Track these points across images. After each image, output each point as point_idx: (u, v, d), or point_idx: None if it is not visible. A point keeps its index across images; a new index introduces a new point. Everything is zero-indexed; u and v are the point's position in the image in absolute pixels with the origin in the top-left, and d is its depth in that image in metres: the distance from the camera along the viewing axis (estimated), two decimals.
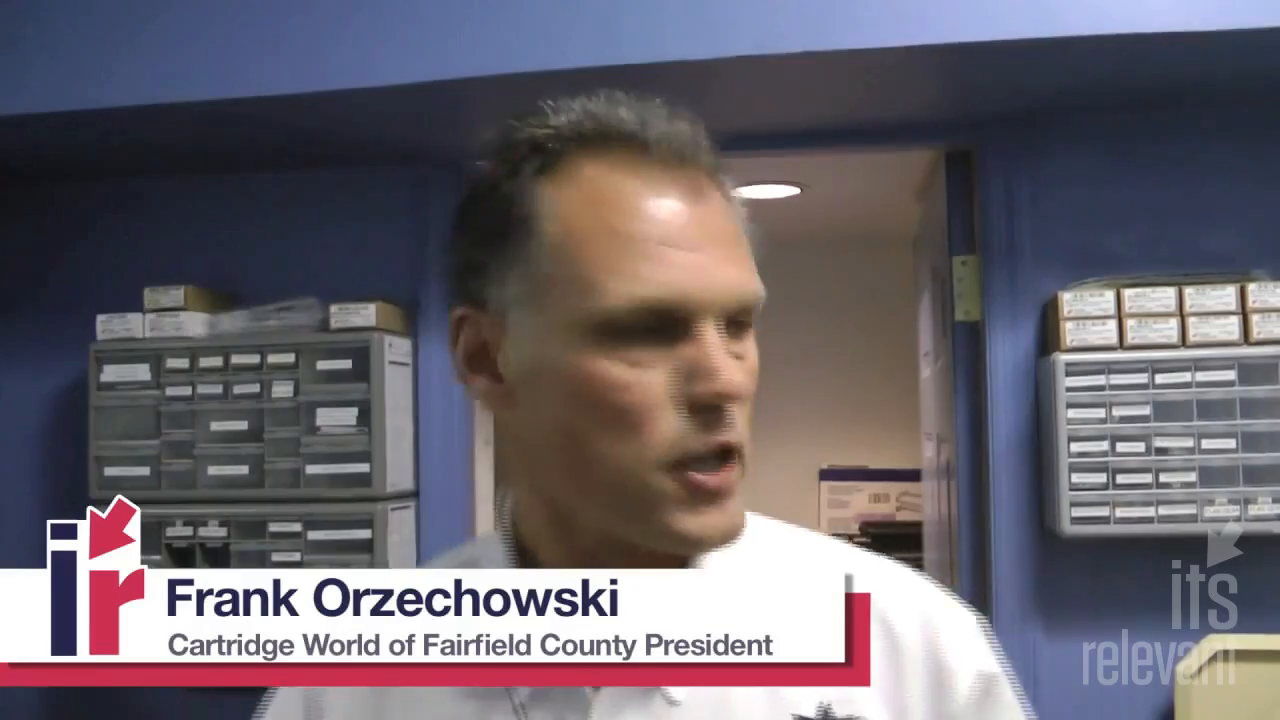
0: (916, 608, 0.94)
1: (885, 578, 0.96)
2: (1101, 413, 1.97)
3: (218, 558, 2.19)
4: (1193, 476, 1.96)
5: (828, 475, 4.69)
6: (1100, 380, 1.98)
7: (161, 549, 2.20)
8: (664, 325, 0.82)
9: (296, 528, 2.18)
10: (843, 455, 4.75)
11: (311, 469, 2.19)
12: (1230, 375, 1.97)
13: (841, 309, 4.76)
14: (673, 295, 0.82)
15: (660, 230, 0.83)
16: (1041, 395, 2.07)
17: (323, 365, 2.19)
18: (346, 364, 2.19)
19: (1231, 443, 1.96)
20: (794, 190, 3.58)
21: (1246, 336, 1.99)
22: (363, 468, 2.18)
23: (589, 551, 0.87)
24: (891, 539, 4.29)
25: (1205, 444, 1.96)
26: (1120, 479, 1.96)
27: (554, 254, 0.84)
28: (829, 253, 4.63)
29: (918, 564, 3.31)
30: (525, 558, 0.92)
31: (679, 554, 0.87)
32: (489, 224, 0.87)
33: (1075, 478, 1.97)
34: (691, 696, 0.87)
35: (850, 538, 4.55)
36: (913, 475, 4.08)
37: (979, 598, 2.16)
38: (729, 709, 0.88)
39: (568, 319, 0.83)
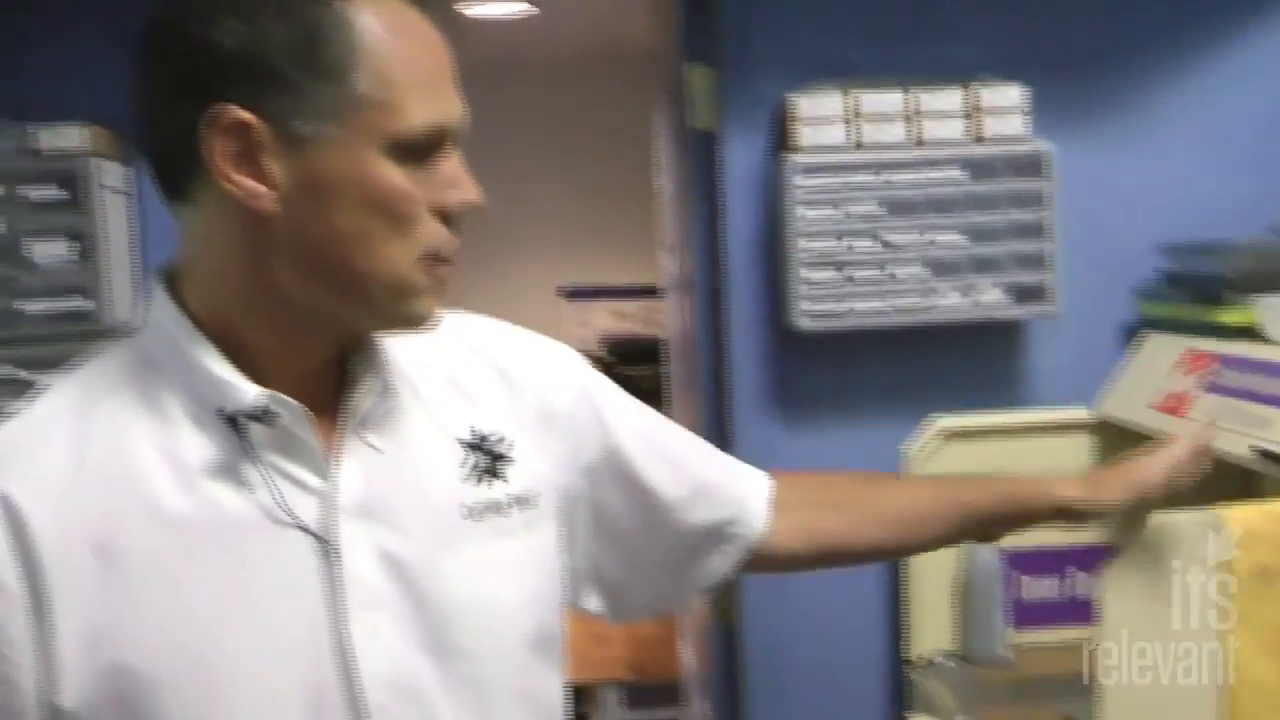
0: (521, 348, 1.20)
1: (497, 329, 1.21)
2: (834, 211, 2.02)
3: None
4: (922, 269, 2.04)
5: (569, 294, 4.72)
6: (833, 180, 2.02)
7: None
8: (432, 145, 0.98)
9: (21, 374, 2.06)
10: (583, 274, 4.79)
11: (28, 307, 2.06)
12: (958, 173, 2.05)
13: (580, 128, 4.75)
14: (450, 121, 0.99)
15: (443, 60, 1.00)
16: (776, 197, 2.10)
17: (31, 194, 2.05)
18: (58, 192, 2.06)
19: (959, 236, 2.05)
20: (531, 8, 3.51)
21: (973, 136, 2.06)
22: (85, 304, 2.07)
23: (303, 343, 1.03)
24: (634, 354, 4.37)
25: (934, 238, 2.04)
26: (853, 274, 2.03)
27: (369, 77, 0.94)
28: (568, 71, 4.60)
29: (660, 378, 3.39)
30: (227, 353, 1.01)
31: (411, 332, 1.05)
32: (288, 35, 0.94)
33: (809, 274, 2.02)
34: (385, 444, 1.06)
35: (594, 356, 4.61)
36: (654, 291, 4.14)
37: (719, 400, 2.22)
38: (411, 446, 1.08)
39: (374, 137, 0.95)
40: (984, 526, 1.40)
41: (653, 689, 3.72)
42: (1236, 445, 1.68)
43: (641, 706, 3.84)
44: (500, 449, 1.12)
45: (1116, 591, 1.39)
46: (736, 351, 2.18)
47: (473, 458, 1.11)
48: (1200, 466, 1.36)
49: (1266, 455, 1.60)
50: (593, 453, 1.21)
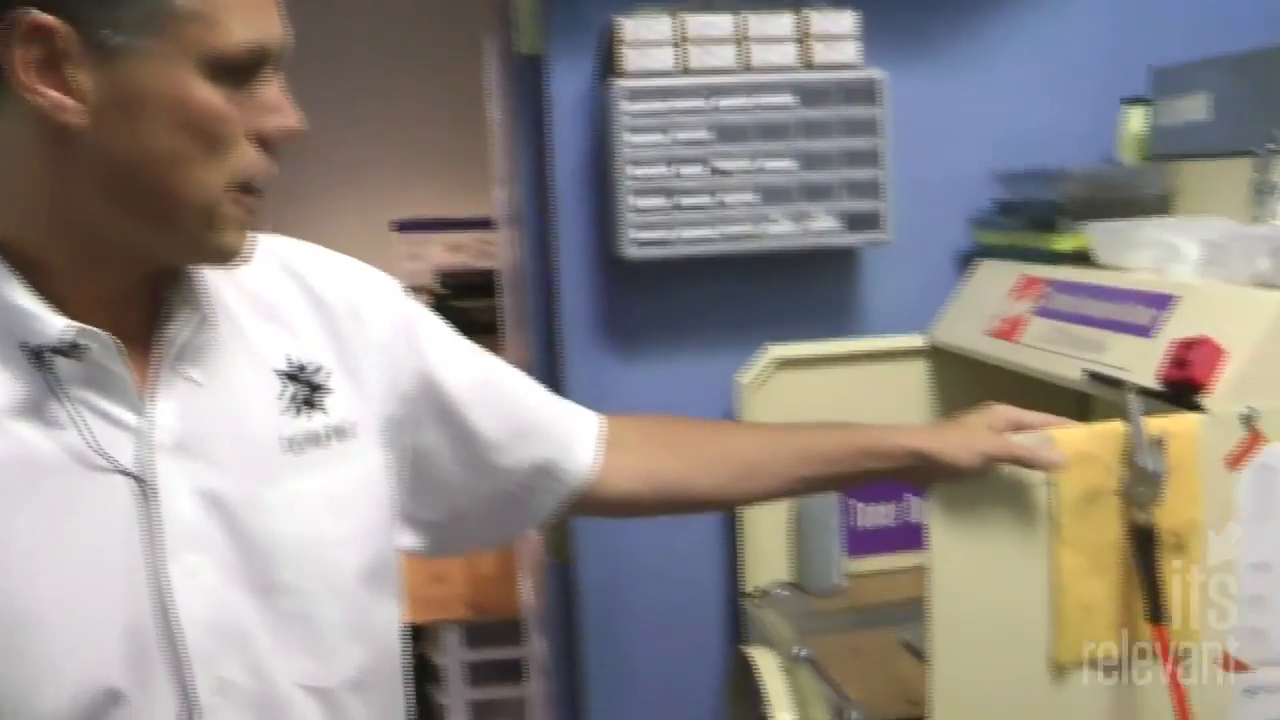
0: (339, 274, 1.16)
1: (315, 255, 1.17)
2: (662, 137, 1.96)
3: None
4: (753, 196, 2.00)
5: (401, 227, 4.59)
6: (661, 105, 1.96)
7: None
8: (252, 66, 0.94)
9: None
10: (416, 206, 4.66)
11: None
12: (789, 99, 2.00)
13: (412, 55, 4.60)
14: (271, 41, 0.95)
15: None
16: (604, 124, 2.03)
17: None
18: None
19: (790, 163, 2.01)
20: None
21: (804, 62, 2.01)
22: None
23: (111, 271, 0.98)
24: (469, 288, 4.29)
25: (765, 164, 2.00)
26: (682, 201, 1.97)
27: None
28: None
29: (496, 312, 3.31)
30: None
31: (217, 266, 1.02)
32: None
33: (637, 201, 1.96)
34: (203, 378, 1.03)
35: (428, 290, 4.51)
36: (490, 223, 4.04)
37: (549, 334, 2.16)
38: (229, 379, 1.04)
39: (191, 52, 0.90)
40: (831, 476, 1.40)
41: (493, 627, 3.67)
42: (1068, 368, 1.68)
43: (482, 645, 3.79)
44: (318, 379, 1.10)
45: (944, 514, 1.37)
46: (565, 283, 2.11)
47: (291, 388, 1.08)
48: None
49: (1095, 377, 1.60)
50: (410, 384, 1.19)
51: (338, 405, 1.10)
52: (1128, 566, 1.40)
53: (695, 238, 1.99)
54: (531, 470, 1.29)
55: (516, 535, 1.36)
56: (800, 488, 1.40)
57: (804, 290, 2.16)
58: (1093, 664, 1.42)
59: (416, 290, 4.58)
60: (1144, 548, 1.37)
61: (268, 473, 1.04)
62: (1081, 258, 1.88)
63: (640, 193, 1.97)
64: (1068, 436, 1.38)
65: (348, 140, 4.32)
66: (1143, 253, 1.73)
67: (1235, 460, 1.43)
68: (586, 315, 2.12)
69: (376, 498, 1.14)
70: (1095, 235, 1.84)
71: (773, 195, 2.01)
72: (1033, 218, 1.99)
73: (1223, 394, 1.42)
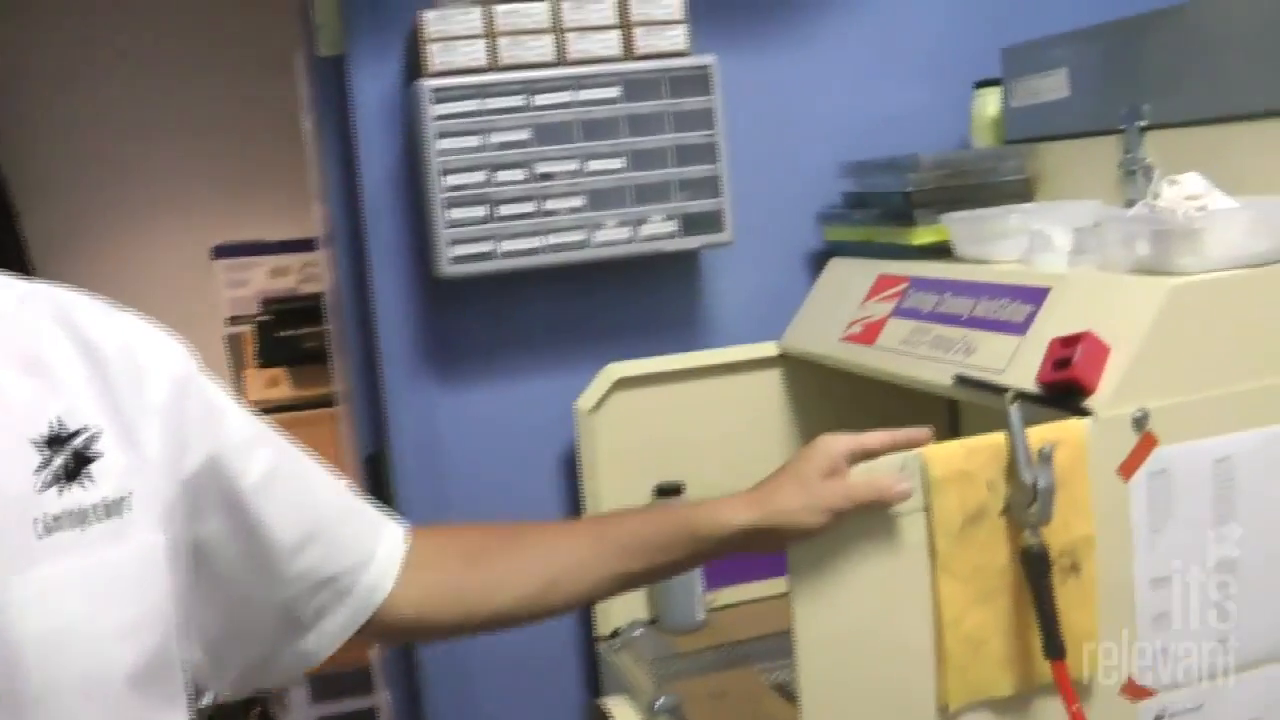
0: (118, 326, 1.01)
1: (93, 306, 1.01)
2: (477, 140, 1.77)
3: None
4: (581, 201, 1.81)
5: (222, 253, 4.31)
6: (473, 105, 1.77)
7: None
8: None
9: None
10: (236, 230, 4.38)
11: None
12: (614, 92, 1.82)
13: (218, 66, 4.32)
14: None
15: None
16: (412, 128, 1.83)
17: None
18: None
19: (619, 162, 1.83)
20: None
21: (629, 51, 1.83)
22: None
23: None
24: (296, 314, 4.05)
25: (591, 165, 1.82)
26: (503, 210, 1.78)
27: None
28: (199, 8, 4.17)
29: (324, 337, 3.08)
30: None
31: None
32: None
33: (454, 213, 1.77)
34: None
35: (253, 319, 4.25)
36: (314, 244, 3.80)
37: (369, 361, 1.95)
38: None
39: None
40: (657, 568, 1.22)
41: (341, 678, 3.43)
42: (935, 373, 1.53)
43: (330, 699, 3.55)
44: (86, 444, 0.93)
45: (804, 558, 1.20)
46: (382, 306, 1.90)
47: (53, 458, 0.91)
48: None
49: (966, 382, 1.45)
50: (194, 464, 1.02)
51: (109, 474, 0.93)
52: (1018, 593, 1.25)
53: (519, 250, 1.80)
54: (319, 584, 1.11)
55: (296, 669, 1.15)
56: (623, 584, 1.23)
57: (643, 301, 1.98)
58: (986, 704, 1.26)
59: (240, 320, 4.33)
60: (1036, 573, 1.22)
61: (16, 559, 0.87)
62: (941, 251, 1.74)
63: (456, 203, 1.77)
64: (941, 455, 1.22)
65: (158, 162, 4.05)
66: (1008, 243, 1.60)
67: (1128, 467, 1.29)
68: (407, 340, 1.91)
69: (154, 582, 0.95)
70: (955, 226, 1.69)
71: (602, 199, 1.82)
72: (886, 210, 1.85)
73: (1110, 395, 1.28)
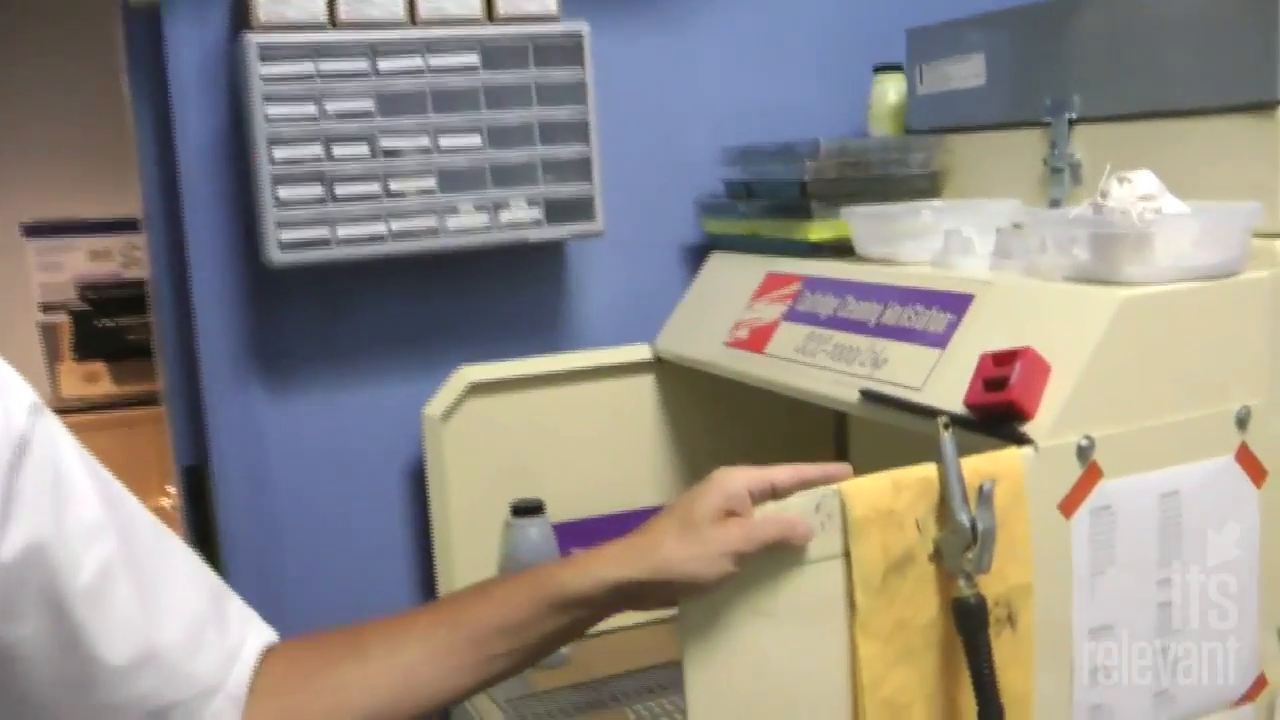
0: None
1: None
2: (312, 108, 1.53)
3: None
4: (432, 182, 1.59)
5: (34, 232, 3.97)
6: (307, 67, 1.53)
7: None
8: None
9: None
10: (51, 206, 4.03)
11: None
12: (472, 59, 1.60)
13: (28, 25, 3.99)
14: None
15: None
16: (238, 93, 1.58)
17: None
18: None
19: (476, 139, 1.61)
20: None
21: (490, 13, 1.61)
22: None
23: None
24: (118, 302, 3.76)
25: (444, 142, 1.59)
26: (341, 190, 1.55)
27: None
28: None
29: (147, 327, 2.80)
30: None
31: None
32: None
33: (283, 192, 1.52)
34: None
35: (70, 307, 3.92)
36: (138, 225, 3.50)
37: (188, 360, 1.69)
38: None
39: None
40: (532, 646, 1.02)
41: None
42: (837, 388, 1.34)
43: None
44: None
45: (695, 618, 1.00)
46: (201, 298, 1.64)
47: None
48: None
49: (876, 399, 1.26)
50: (14, 544, 0.80)
51: None
52: (947, 650, 1.07)
53: (359, 236, 1.56)
54: (149, 716, 0.88)
55: None
56: (493, 675, 1.02)
57: (501, 298, 1.76)
58: None
59: (55, 308, 3.99)
60: (971, 629, 1.03)
61: None
62: (840, 249, 1.56)
63: (286, 180, 1.52)
64: (863, 492, 1.03)
65: None
66: (919, 243, 1.42)
67: (1070, 503, 1.11)
68: (230, 338, 1.66)
69: None
70: (857, 222, 1.51)
71: (456, 180, 1.60)
72: (776, 202, 1.66)
73: (1052, 421, 1.10)
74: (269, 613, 1.66)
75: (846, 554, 1.02)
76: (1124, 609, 1.16)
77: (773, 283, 1.59)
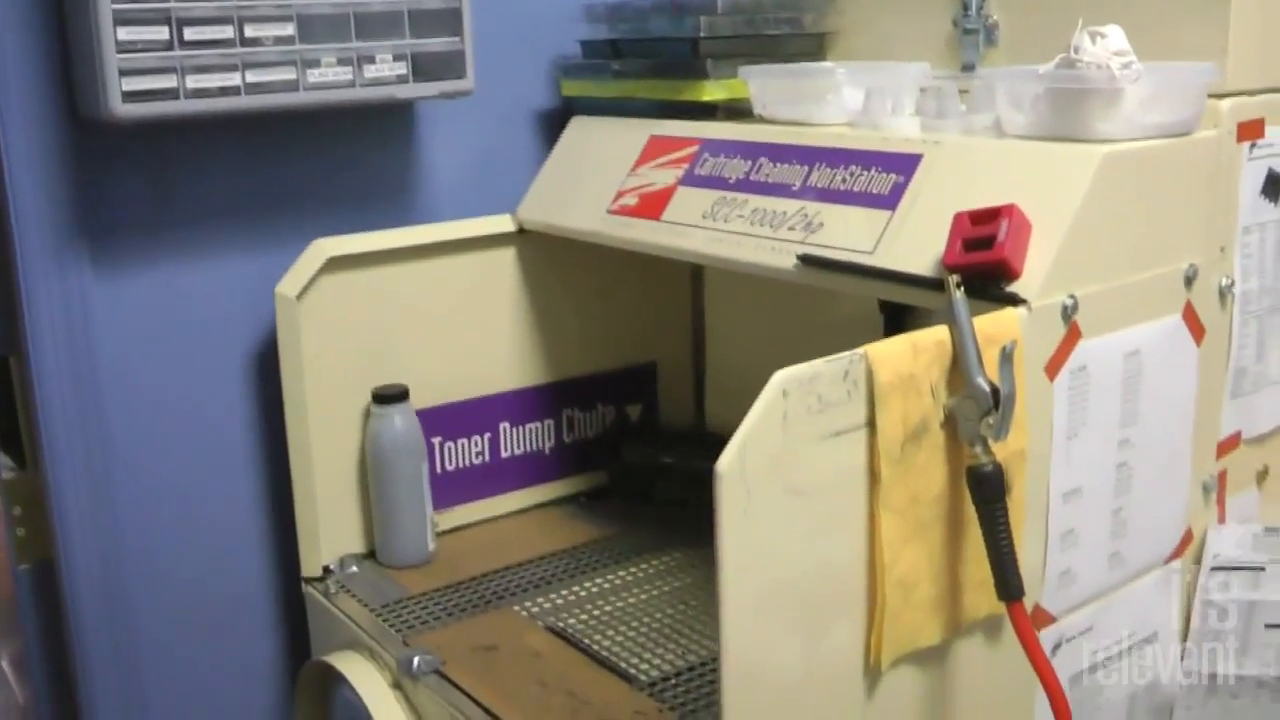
0: None
1: None
2: None
3: None
4: (291, 29, 1.41)
5: None
6: None
7: None
8: None
9: None
10: None
11: None
12: None
13: None
14: None
15: None
16: None
17: None
18: None
19: None
20: None
21: None
22: None
23: None
24: None
25: None
26: (190, 34, 1.35)
27: None
28: None
29: None
30: None
31: None
32: None
33: (125, 33, 1.31)
34: None
35: None
36: None
37: None
38: None
39: None
40: None
41: None
42: (768, 254, 1.27)
43: None
44: None
45: (735, 482, 0.91)
46: (13, 159, 1.41)
47: None
48: None
49: (834, 266, 1.20)
50: None
51: None
52: (953, 524, 1.02)
53: (212, 88, 1.37)
54: None
55: None
56: None
57: (363, 161, 1.61)
58: (911, 657, 1.03)
59: None
60: (989, 499, 0.99)
61: None
62: (732, 111, 1.48)
63: (130, 20, 1.32)
64: (887, 356, 0.96)
65: None
66: (829, 104, 1.36)
67: (1054, 365, 1.09)
68: (48, 206, 1.42)
69: None
70: (759, 82, 1.43)
71: (316, 28, 1.43)
72: (660, 61, 1.56)
73: (1042, 280, 1.06)
74: (102, 514, 1.49)
75: (870, 423, 0.96)
76: (1091, 472, 1.15)
77: (659, 146, 1.50)
